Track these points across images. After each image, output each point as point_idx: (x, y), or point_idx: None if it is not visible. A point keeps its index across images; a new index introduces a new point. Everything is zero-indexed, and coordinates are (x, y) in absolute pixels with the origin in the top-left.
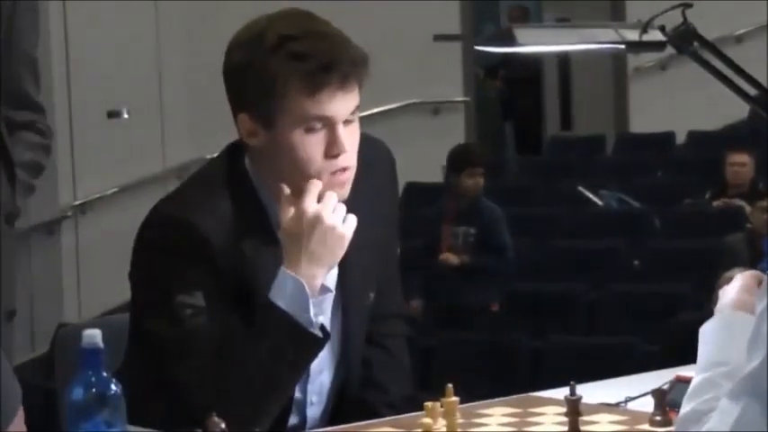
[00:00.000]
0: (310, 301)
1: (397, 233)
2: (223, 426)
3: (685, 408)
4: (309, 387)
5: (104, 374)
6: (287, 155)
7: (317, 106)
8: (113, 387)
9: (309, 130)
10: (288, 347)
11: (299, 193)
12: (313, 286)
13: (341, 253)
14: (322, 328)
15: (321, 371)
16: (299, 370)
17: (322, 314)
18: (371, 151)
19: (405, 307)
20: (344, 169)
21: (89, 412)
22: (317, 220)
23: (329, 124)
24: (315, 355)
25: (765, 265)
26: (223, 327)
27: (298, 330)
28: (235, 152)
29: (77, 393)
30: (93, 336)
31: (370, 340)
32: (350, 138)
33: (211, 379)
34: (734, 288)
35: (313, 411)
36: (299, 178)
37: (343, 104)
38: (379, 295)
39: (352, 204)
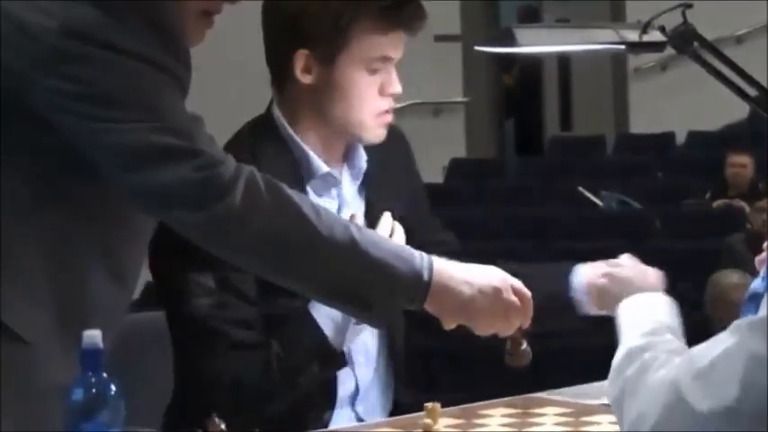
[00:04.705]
0: (351, 327)
1: (424, 196)
2: (223, 427)
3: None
4: (353, 347)
5: (104, 375)
6: (342, 93)
7: (384, 46)
8: (113, 388)
9: (371, 70)
10: (313, 364)
11: (337, 136)
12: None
13: None
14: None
15: (361, 328)
16: (317, 381)
17: (354, 338)
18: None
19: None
20: (388, 111)
21: (89, 413)
22: None
23: (387, 65)
24: (335, 372)
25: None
26: (241, 315)
27: (329, 352)
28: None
29: (77, 394)
30: (93, 336)
31: None
32: None
33: (216, 369)
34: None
35: (362, 373)
36: (350, 118)
37: (402, 47)
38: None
39: (368, 184)
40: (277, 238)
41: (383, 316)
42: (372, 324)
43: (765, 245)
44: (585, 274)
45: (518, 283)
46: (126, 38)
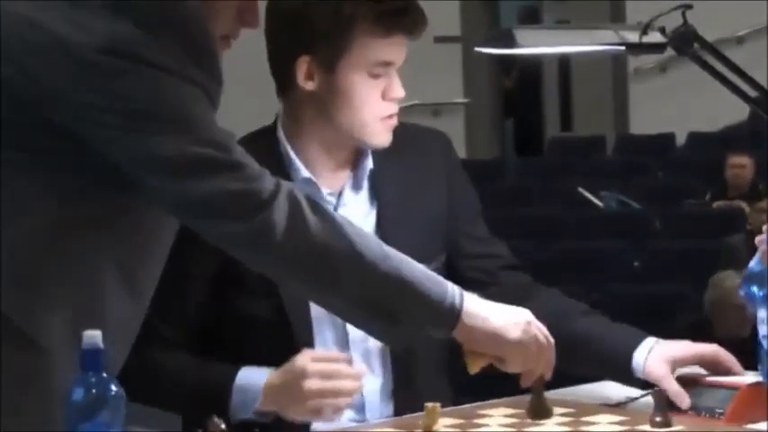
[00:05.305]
0: (251, 413)
1: (470, 198)
2: (223, 427)
3: None
4: (359, 358)
5: (104, 375)
6: (345, 98)
7: (385, 51)
8: (113, 388)
9: (372, 75)
10: (204, 410)
11: (342, 143)
12: (260, 410)
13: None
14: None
15: (365, 338)
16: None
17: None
18: (420, 133)
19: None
20: (391, 115)
21: (89, 413)
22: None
23: (388, 69)
24: None
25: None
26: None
27: (224, 410)
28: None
29: (77, 394)
30: (93, 336)
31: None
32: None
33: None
34: None
35: (369, 382)
36: (354, 122)
37: (404, 52)
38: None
39: (381, 194)
40: (319, 254)
41: (409, 336)
42: (393, 344)
43: (765, 227)
44: (653, 365)
45: (542, 326)
46: (157, 52)
